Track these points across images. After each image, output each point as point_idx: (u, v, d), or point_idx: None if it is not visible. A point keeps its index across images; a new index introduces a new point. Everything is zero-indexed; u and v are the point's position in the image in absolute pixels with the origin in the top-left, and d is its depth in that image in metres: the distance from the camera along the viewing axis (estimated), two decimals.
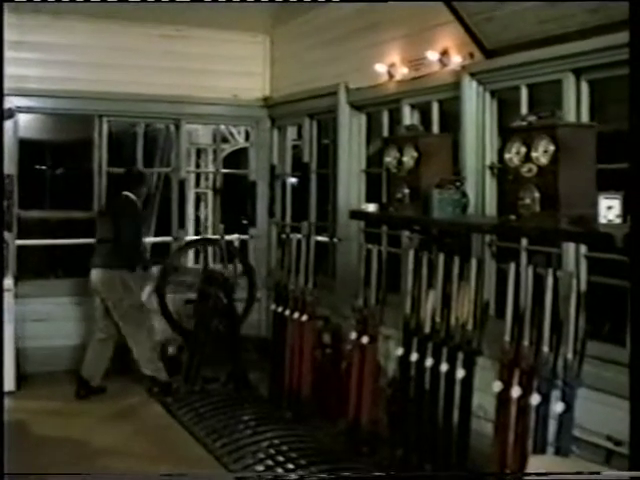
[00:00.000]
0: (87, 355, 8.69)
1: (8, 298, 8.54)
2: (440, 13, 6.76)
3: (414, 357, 6.33)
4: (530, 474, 4.68)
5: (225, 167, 11.66)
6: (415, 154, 6.34)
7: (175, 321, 9.09)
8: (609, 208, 4.65)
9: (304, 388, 7.82)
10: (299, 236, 8.21)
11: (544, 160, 5.02)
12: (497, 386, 5.40)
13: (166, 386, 8.56)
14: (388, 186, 6.81)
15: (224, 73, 10.11)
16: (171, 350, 9.19)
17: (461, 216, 6.14)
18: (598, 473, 4.30)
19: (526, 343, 5.29)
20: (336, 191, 8.82)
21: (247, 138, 11.77)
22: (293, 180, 10.45)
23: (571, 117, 5.83)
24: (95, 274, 8.62)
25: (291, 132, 10.48)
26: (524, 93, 6.39)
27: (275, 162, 10.50)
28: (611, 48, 5.35)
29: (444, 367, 6.06)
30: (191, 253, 11.38)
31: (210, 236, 11.20)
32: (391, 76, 7.79)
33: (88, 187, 9.90)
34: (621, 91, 5.29)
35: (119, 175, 9.42)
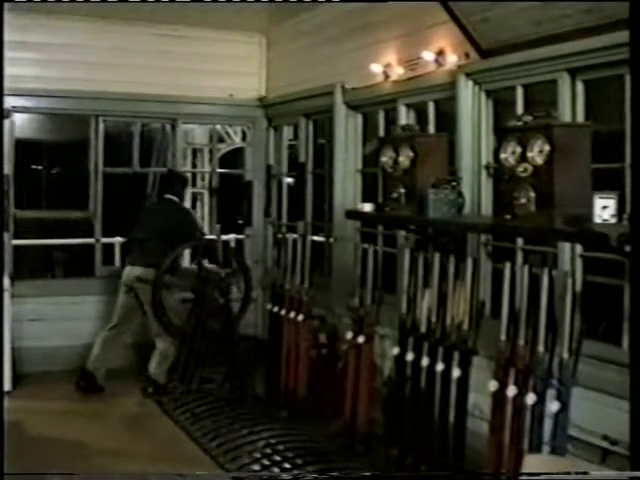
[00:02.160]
0: (94, 349, 8.74)
1: (4, 298, 8.54)
2: (436, 13, 6.78)
3: (410, 357, 6.34)
4: (525, 474, 4.68)
5: (221, 167, 11.68)
6: (411, 154, 6.34)
7: (171, 321, 9.05)
8: (604, 208, 4.66)
9: (300, 388, 7.83)
10: (295, 236, 8.21)
11: (539, 160, 5.03)
12: (493, 385, 5.40)
13: (161, 388, 8.57)
14: (384, 186, 6.81)
15: (220, 73, 10.11)
16: None
17: (457, 216, 6.15)
18: (587, 473, 4.30)
19: (522, 342, 5.30)
20: (332, 191, 8.83)
21: (243, 138, 11.78)
22: (289, 180, 10.45)
23: (566, 117, 5.83)
24: (135, 271, 8.73)
25: (287, 132, 10.47)
26: (519, 93, 6.40)
27: (271, 162, 10.50)
28: (606, 48, 5.36)
29: (440, 366, 6.06)
30: (187, 253, 11.35)
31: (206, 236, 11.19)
32: (387, 76, 7.80)
33: (84, 187, 9.90)
34: (616, 91, 5.32)
35: (162, 176, 10.16)
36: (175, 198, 9.13)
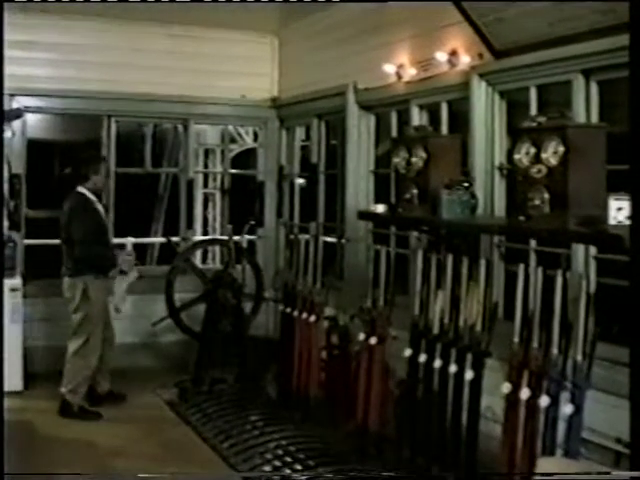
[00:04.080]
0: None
1: (16, 298, 8.55)
2: (449, 13, 6.75)
3: (422, 358, 6.33)
4: (536, 474, 4.67)
5: (233, 167, 11.66)
6: (424, 155, 6.33)
7: (183, 322, 9.06)
8: (619, 209, 4.63)
9: (312, 389, 7.81)
10: (307, 237, 8.21)
11: (554, 161, 5.01)
12: (506, 388, 5.38)
13: (81, 411, 8.00)
14: (397, 187, 6.80)
15: (232, 73, 10.11)
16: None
17: (470, 217, 6.13)
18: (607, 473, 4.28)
19: (535, 345, 5.27)
20: (344, 192, 8.82)
21: (255, 138, 11.78)
22: (301, 181, 10.44)
23: (581, 118, 5.81)
24: (65, 282, 8.17)
25: (299, 132, 10.47)
26: (533, 94, 6.37)
27: (283, 162, 10.50)
28: (620, 49, 5.31)
29: (453, 368, 6.04)
30: (199, 254, 11.35)
31: (218, 236, 11.20)
32: (400, 77, 7.78)
33: None
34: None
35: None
36: (84, 190, 8.11)
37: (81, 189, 8.14)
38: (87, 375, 8.06)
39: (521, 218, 5.22)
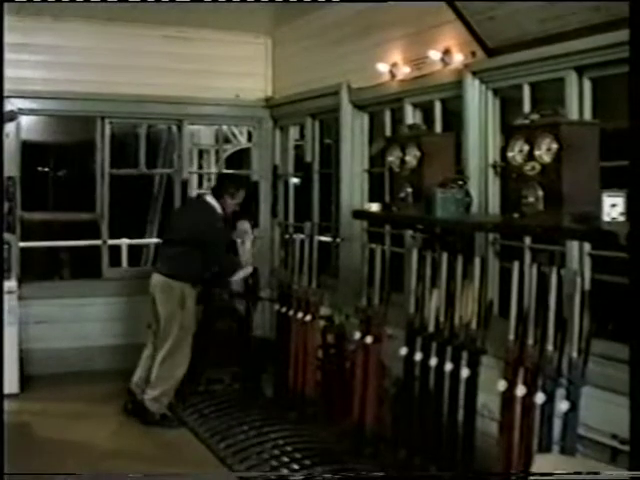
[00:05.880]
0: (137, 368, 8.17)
1: (12, 300, 8.55)
2: (442, 12, 6.75)
3: (418, 357, 6.33)
4: (534, 474, 4.67)
5: (227, 167, 11.65)
6: (418, 153, 6.33)
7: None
8: (613, 206, 4.63)
9: (308, 388, 7.82)
10: (302, 236, 8.20)
11: (547, 158, 5.01)
12: (502, 385, 5.39)
13: (152, 417, 7.86)
14: (391, 185, 6.79)
15: (226, 74, 10.11)
16: None
17: (464, 215, 6.13)
18: (597, 473, 4.28)
19: (530, 342, 5.28)
20: (339, 191, 8.81)
21: (249, 138, 11.78)
22: (296, 180, 10.44)
23: (574, 115, 5.81)
24: (155, 280, 8.02)
25: (293, 132, 10.46)
26: (526, 91, 6.37)
27: (277, 162, 10.50)
28: (613, 45, 5.33)
29: (448, 366, 6.05)
30: None
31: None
32: (393, 75, 7.77)
33: (90, 189, 9.91)
34: (624, 88, 5.29)
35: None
36: (211, 199, 8.16)
37: (211, 199, 8.17)
38: (172, 386, 7.92)
39: (515, 215, 5.23)
